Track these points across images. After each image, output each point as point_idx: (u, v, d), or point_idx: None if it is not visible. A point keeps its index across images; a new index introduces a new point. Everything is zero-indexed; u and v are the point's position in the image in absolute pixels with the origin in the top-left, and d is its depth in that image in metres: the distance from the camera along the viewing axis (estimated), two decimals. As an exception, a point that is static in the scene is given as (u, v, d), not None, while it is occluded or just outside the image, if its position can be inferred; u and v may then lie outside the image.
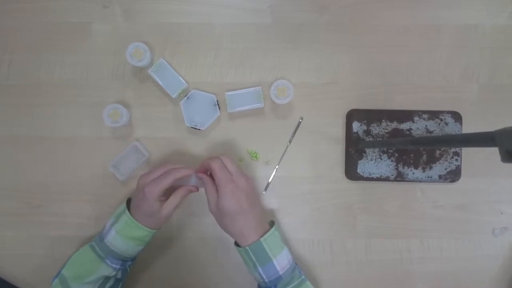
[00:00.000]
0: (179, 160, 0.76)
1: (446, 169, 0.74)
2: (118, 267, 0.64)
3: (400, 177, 0.74)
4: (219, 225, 0.63)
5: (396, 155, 0.74)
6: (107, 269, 0.63)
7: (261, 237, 0.61)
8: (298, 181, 0.76)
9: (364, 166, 0.74)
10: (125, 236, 0.62)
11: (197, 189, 0.65)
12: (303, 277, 0.65)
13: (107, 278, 0.64)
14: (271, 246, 0.61)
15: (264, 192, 0.76)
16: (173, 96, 0.74)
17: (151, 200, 0.60)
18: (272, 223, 0.66)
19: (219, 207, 0.60)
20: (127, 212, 0.63)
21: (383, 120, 0.75)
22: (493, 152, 0.42)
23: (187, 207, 0.75)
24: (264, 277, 0.61)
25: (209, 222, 0.75)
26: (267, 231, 0.62)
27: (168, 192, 0.64)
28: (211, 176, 0.63)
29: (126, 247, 0.63)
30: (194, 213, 0.76)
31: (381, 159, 0.74)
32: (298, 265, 0.67)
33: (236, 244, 0.64)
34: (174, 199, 0.63)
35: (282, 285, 0.62)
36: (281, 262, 0.62)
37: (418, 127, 0.74)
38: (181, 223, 0.76)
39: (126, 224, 0.62)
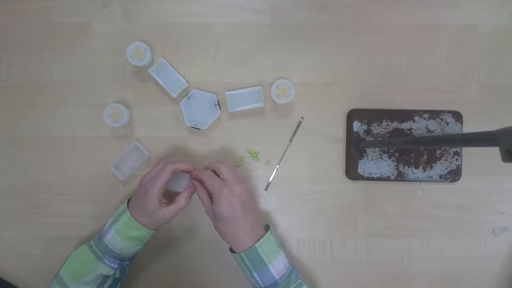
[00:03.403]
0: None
1: (446, 168, 0.74)
2: (116, 266, 0.64)
3: (400, 177, 0.74)
4: (215, 229, 0.64)
5: (397, 154, 0.74)
6: (105, 269, 0.63)
7: (255, 242, 0.60)
8: (298, 181, 0.76)
9: (365, 166, 0.74)
10: (124, 235, 0.62)
11: (195, 189, 0.65)
12: (300, 280, 0.64)
13: (105, 278, 0.64)
14: (266, 251, 0.61)
15: (264, 192, 0.76)
16: (174, 96, 0.74)
17: (152, 195, 0.60)
18: (267, 227, 0.65)
19: (214, 213, 0.61)
20: (127, 211, 0.63)
21: (384, 120, 0.75)
22: (494, 152, 0.42)
23: (187, 208, 0.75)
24: (260, 282, 0.61)
25: (210, 223, 0.75)
26: (261, 236, 0.62)
27: (169, 196, 0.65)
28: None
29: (124, 246, 0.63)
30: (194, 214, 0.75)
31: (381, 158, 0.74)
32: (295, 267, 0.67)
33: (231, 250, 0.63)
34: (176, 205, 0.63)
35: None
36: (277, 267, 0.61)
37: (418, 126, 0.74)
38: (182, 224, 0.76)
39: (125, 224, 0.62)
